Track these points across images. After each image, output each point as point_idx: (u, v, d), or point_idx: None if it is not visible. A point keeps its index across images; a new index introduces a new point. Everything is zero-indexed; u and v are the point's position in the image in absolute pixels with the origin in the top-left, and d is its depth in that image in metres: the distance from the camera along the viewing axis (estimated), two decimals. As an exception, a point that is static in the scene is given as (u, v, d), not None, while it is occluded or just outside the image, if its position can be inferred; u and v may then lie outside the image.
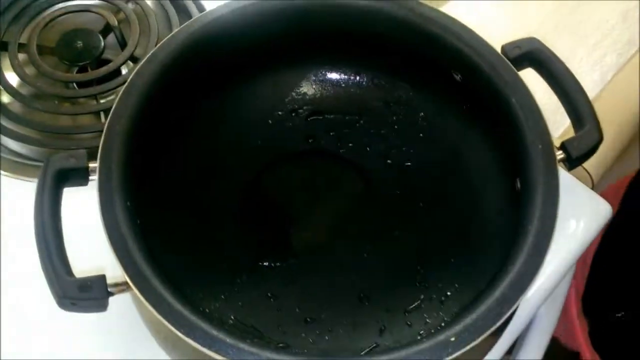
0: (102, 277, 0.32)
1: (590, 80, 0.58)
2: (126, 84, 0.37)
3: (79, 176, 0.35)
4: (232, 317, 0.41)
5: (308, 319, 0.41)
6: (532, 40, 0.41)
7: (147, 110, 0.37)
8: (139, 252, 0.32)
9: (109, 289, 0.32)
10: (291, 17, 0.45)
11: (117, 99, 0.36)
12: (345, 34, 0.46)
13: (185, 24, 0.40)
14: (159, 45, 0.39)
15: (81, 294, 0.31)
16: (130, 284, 0.30)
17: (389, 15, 0.43)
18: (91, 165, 0.35)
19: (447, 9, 0.60)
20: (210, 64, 0.42)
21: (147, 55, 0.38)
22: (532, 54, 0.40)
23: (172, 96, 0.39)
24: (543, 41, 0.42)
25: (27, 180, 0.52)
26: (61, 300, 0.31)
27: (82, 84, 0.56)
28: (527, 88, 0.39)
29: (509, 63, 0.40)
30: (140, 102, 0.36)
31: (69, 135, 0.53)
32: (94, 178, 0.35)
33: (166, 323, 0.29)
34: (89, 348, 0.43)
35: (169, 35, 0.39)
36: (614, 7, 0.63)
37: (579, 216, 0.50)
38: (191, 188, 0.44)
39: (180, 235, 0.41)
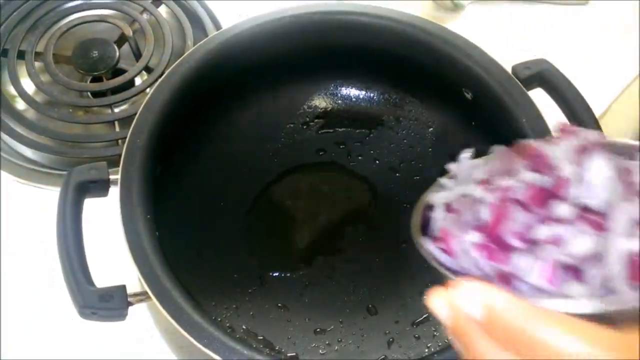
0: (123, 287, 0.32)
1: (595, 100, 0.59)
2: (146, 99, 0.38)
3: (100, 188, 0.36)
4: (243, 326, 0.42)
5: (317, 330, 0.42)
6: (541, 61, 0.42)
7: (166, 124, 0.38)
8: (159, 264, 0.33)
9: (129, 299, 0.33)
10: (305, 34, 0.46)
11: (138, 114, 0.37)
12: (357, 50, 0.47)
13: (204, 40, 0.41)
14: (178, 61, 0.40)
15: (102, 304, 0.32)
16: (152, 296, 0.31)
17: (402, 33, 0.44)
18: (112, 176, 0.36)
19: (457, 28, 0.61)
20: (226, 78, 0.43)
21: (167, 71, 0.39)
22: (542, 75, 0.41)
23: (190, 110, 0.40)
24: (550, 61, 0.43)
25: (40, 187, 0.52)
26: (82, 310, 0.32)
27: (96, 93, 0.57)
28: (537, 108, 0.39)
29: (520, 84, 0.41)
30: (159, 117, 0.37)
31: (83, 143, 0.54)
32: (114, 188, 0.36)
33: (185, 334, 0.30)
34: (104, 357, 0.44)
35: (188, 52, 0.40)
36: (618, 27, 0.64)
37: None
38: (203, 200, 0.45)
39: (193, 246, 0.42)
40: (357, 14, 0.45)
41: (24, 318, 0.46)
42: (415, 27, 0.45)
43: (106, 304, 0.31)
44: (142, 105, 0.37)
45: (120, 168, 0.35)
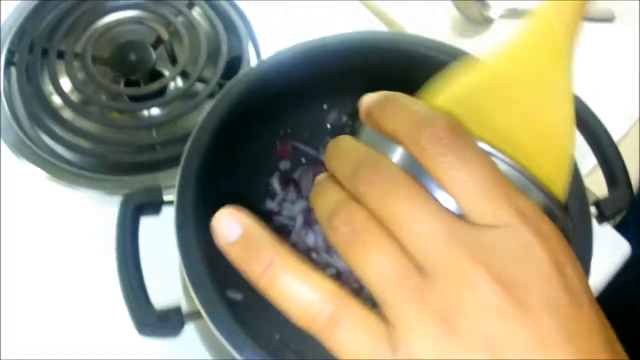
0: (179, 309, 0.35)
1: (616, 120, 0.60)
2: (199, 123, 0.39)
3: (154, 208, 0.38)
4: (276, 336, 0.44)
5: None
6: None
7: (219, 146, 0.40)
8: (212, 285, 0.35)
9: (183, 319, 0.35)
10: (344, 56, 0.47)
11: (192, 137, 0.39)
12: (390, 73, 0.49)
13: (253, 66, 0.43)
14: (228, 85, 0.41)
15: (160, 324, 0.34)
16: (208, 321, 0.33)
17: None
18: (165, 198, 0.38)
19: (486, 42, 0.63)
20: (272, 98, 0.44)
21: (218, 96, 0.40)
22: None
23: (240, 131, 0.42)
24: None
25: (71, 188, 0.53)
26: (141, 328, 0.34)
27: (132, 97, 0.58)
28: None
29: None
30: (212, 140, 0.39)
31: (120, 147, 0.55)
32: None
33: (234, 353, 0.33)
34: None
35: (237, 77, 0.42)
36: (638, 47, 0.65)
37: (599, 254, 0.53)
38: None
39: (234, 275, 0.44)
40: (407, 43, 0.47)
41: (26, 317, 0.47)
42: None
43: (164, 324, 0.34)
44: (195, 129, 0.39)
45: (176, 192, 0.37)
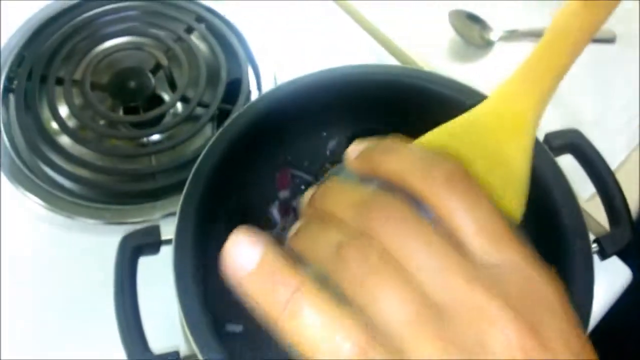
0: (177, 352, 0.35)
1: (617, 144, 0.60)
2: (199, 160, 0.39)
3: (153, 248, 0.38)
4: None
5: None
6: (574, 132, 0.43)
7: (219, 182, 0.39)
8: (209, 328, 0.35)
9: (181, 362, 0.35)
10: (342, 88, 0.47)
11: (191, 175, 0.39)
12: (389, 104, 0.49)
13: (254, 100, 0.43)
14: (228, 122, 0.41)
15: (159, 369, 0.34)
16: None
17: (444, 97, 0.45)
18: (163, 237, 0.38)
19: (486, 65, 0.62)
20: (273, 132, 0.44)
21: (217, 133, 0.40)
22: (574, 146, 0.43)
23: (240, 164, 0.42)
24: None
25: (70, 217, 0.53)
26: (140, 375, 0.34)
27: (132, 123, 0.58)
28: (568, 182, 0.41)
29: (552, 155, 0.42)
30: (212, 176, 0.39)
31: (119, 176, 0.55)
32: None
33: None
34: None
35: (237, 115, 0.42)
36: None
37: (600, 280, 0.53)
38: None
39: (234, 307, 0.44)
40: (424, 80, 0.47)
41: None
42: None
43: (163, 369, 0.34)
44: (193, 170, 0.39)
45: (174, 231, 0.37)
